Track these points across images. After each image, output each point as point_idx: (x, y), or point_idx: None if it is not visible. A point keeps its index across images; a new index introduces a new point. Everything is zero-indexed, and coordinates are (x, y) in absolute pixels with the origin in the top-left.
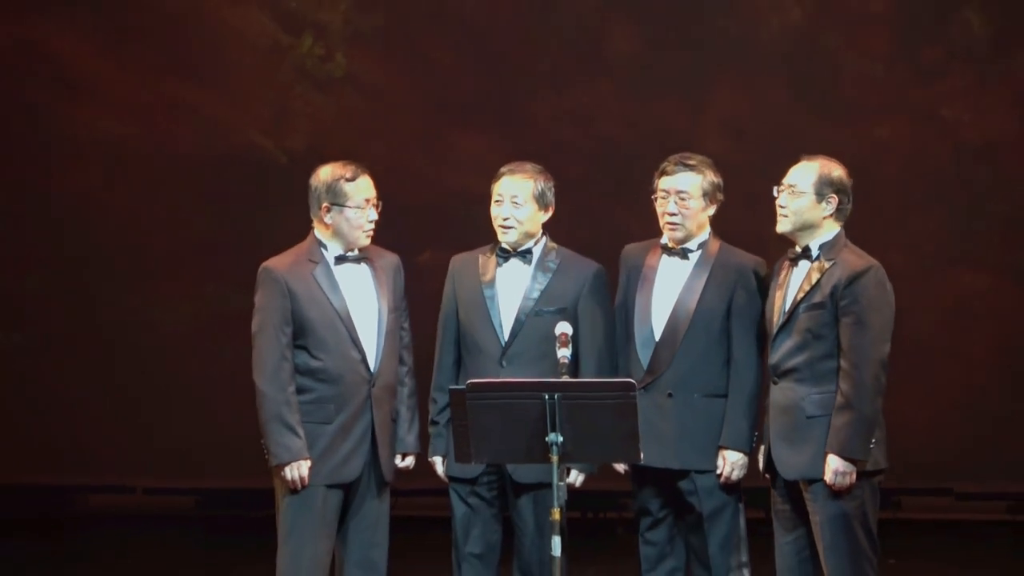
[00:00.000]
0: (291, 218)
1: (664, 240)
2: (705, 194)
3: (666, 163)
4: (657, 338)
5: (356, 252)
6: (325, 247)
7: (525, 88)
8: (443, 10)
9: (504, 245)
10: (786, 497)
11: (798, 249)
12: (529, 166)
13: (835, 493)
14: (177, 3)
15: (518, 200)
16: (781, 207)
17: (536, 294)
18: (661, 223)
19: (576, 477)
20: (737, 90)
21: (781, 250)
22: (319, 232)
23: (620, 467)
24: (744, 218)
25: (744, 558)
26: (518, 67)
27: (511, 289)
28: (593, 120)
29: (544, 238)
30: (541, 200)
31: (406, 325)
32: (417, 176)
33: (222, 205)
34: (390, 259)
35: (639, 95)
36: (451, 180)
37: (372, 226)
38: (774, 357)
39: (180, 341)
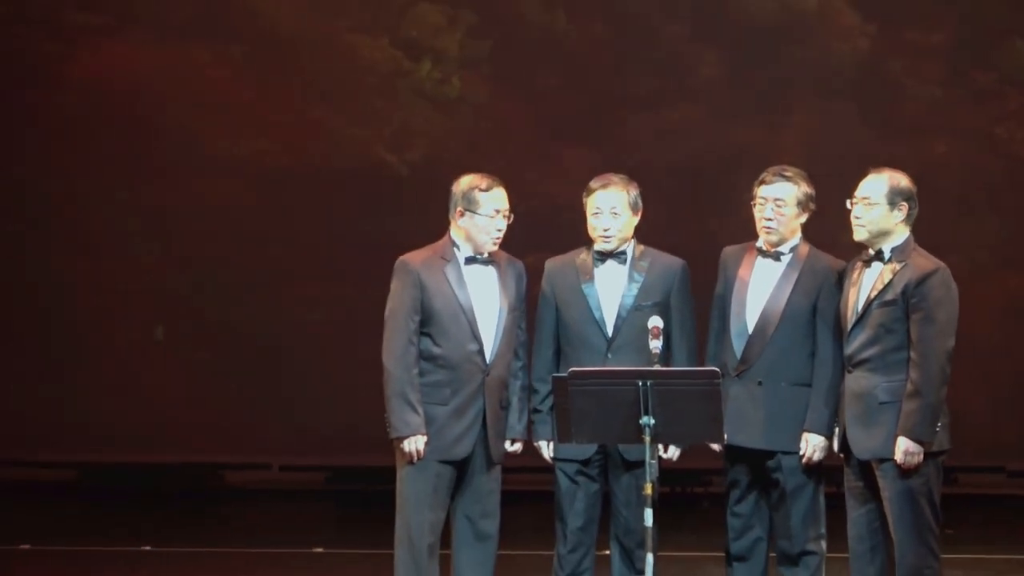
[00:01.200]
0: (411, 222)
1: (759, 243)
2: (799, 203)
3: (765, 173)
4: (750, 331)
5: (485, 255)
6: (458, 247)
7: (621, 108)
8: (547, 37)
9: (601, 249)
10: (859, 475)
11: (871, 252)
12: (617, 178)
13: (904, 471)
14: (310, 33)
15: (616, 211)
16: (857, 218)
17: (634, 291)
18: (758, 227)
19: (673, 452)
20: (811, 111)
21: (846, 253)
22: (454, 233)
23: (715, 446)
24: (817, 225)
25: (822, 530)
26: (615, 90)
27: (610, 288)
28: (682, 137)
29: (634, 239)
30: (635, 207)
31: (523, 325)
32: (521, 186)
33: (350, 211)
34: (515, 265)
35: (723, 115)
36: (552, 190)
37: (499, 234)
38: (849, 349)
39: (314, 335)
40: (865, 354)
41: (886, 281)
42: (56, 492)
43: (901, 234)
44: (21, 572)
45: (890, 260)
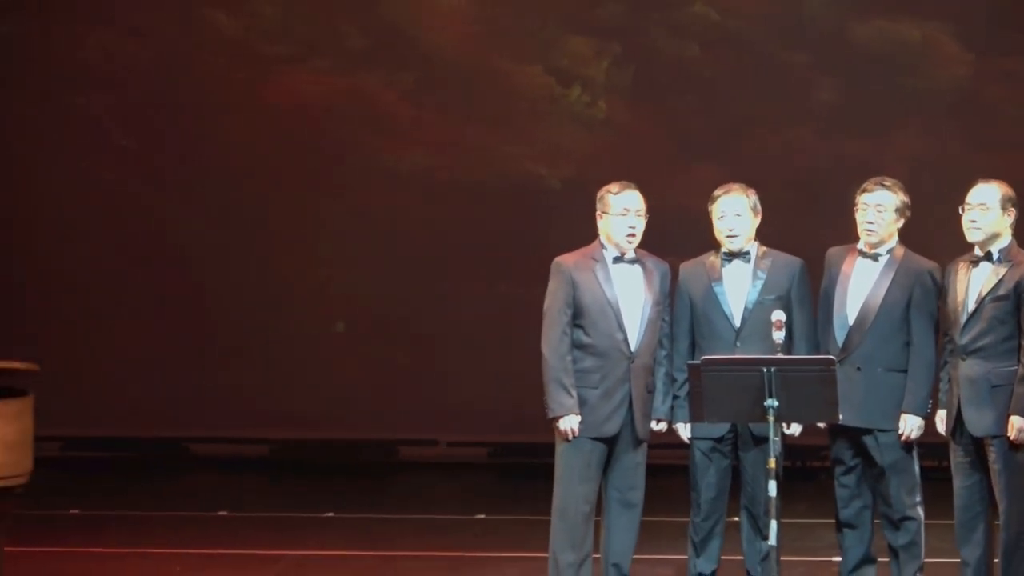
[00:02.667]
0: (562, 230)
1: (860, 245)
2: (896, 209)
3: (867, 183)
4: (851, 323)
5: (632, 255)
6: (605, 248)
7: (745, 128)
8: (682, 65)
9: (727, 250)
10: (968, 451)
11: (979, 253)
12: (737, 185)
13: (1014, 446)
14: (472, 62)
15: (739, 213)
16: (973, 221)
17: (758, 287)
18: (860, 230)
19: (795, 429)
20: (915, 131)
21: (939, 255)
22: (601, 236)
23: (821, 424)
24: (919, 230)
25: (918, 498)
26: (740, 111)
27: (737, 285)
28: (798, 153)
29: (756, 241)
30: (755, 209)
31: (666, 318)
32: (656, 197)
33: (509, 220)
34: (661, 265)
35: (835, 135)
36: (684, 201)
37: (633, 230)
38: (964, 339)
39: (479, 328)
40: (979, 344)
41: (998, 278)
42: (251, 466)
43: (1007, 237)
44: (221, 535)
45: (999, 260)
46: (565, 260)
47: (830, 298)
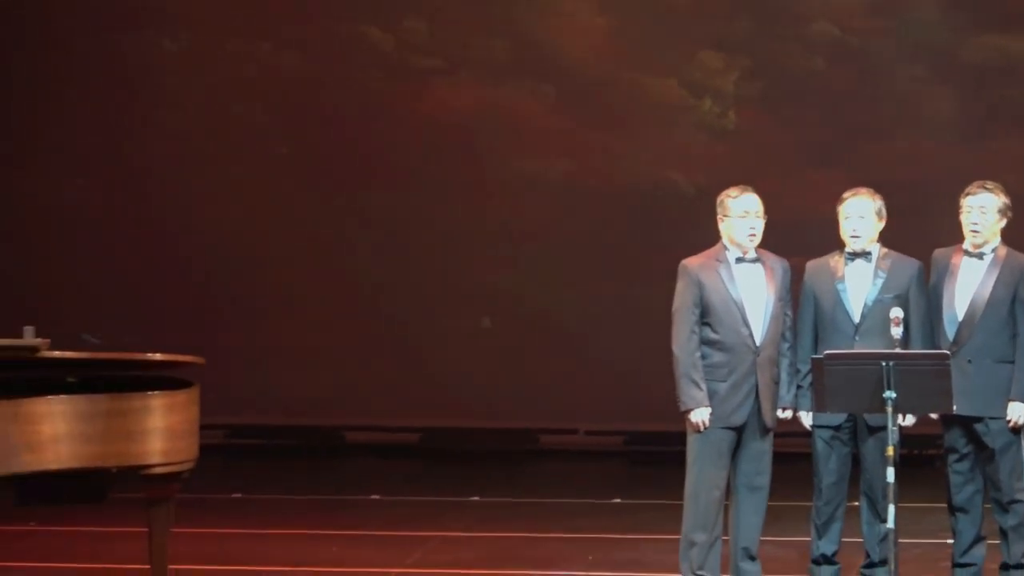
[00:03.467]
0: (695, 233)
1: (966, 245)
2: (999, 210)
3: (970, 186)
4: (960, 318)
5: (753, 255)
6: (728, 250)
7: (864, 136)
8: (807, 78)
9: (850, 250)
10: None
11: None
12: (865, 190)
13: None
14: (610, 74)
15: (864, 216)
16: None
17: (878, 286)
18: (965, 231)
19: (910, 420)
20: (1021, 138)
21: None
22: (724, 238)
23: (934, 415)
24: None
25: None
26: (860, 121)
27: (858, 283)
28: (913, 161)
29: (879, 243)
30: (879, 214)
31: (789, 312)
32: (781, 201)
33: (643, 222)
34: (781, 262)
35: (945, 142)
36: (807, 204)
37: (753, 231)
38: None
39: (616, 325)
40: None
41: None
42: (402, 452)
43: None
44: (373, 517)
45: None
46: (691, 262)
47: (939, 296)
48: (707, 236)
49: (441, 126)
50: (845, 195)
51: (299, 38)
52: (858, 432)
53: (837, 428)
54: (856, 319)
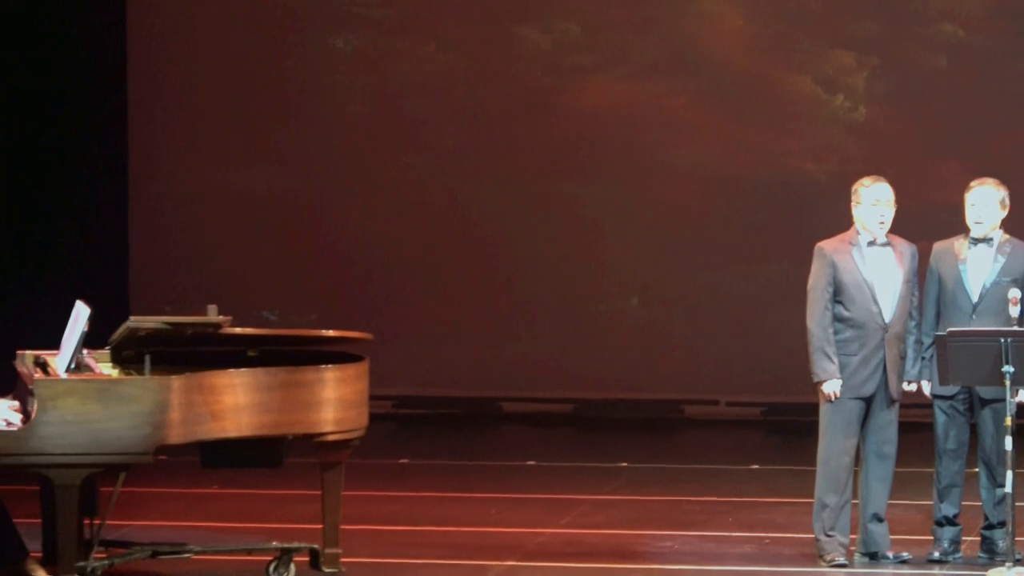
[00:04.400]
0: (828, 219)
1: None
2: None
3: None
4: None
5: (884, 239)
6: (860, 234)
7: (986, 130)
8: (932, 75)
9: (974, 236)
10: None
11: None
12: (992, 180)
13: None
14: (750, 71)
15: (988, 204)
16: None
17: (997, 269)
18: None
19: (1021, 395)
20: None
21: None
22: (857, 224)
23: None
24: None
25: None
26: (983, 114)
27: (978, 266)
28: None
29: (1001, 229)
30: (1003, 203)
31: (916, 293)
32: (909, 190)
33: (779, 208)
34: (910, 246)
35: None
36: (932, 193)
37: (881, 218)
38: None
39: (754, 304)
40: None
41: None
42: (556, 421)
43: None
44: (529, 482)
45: None
46: (826, 245)
47: None
48: (839, 221)
49: (594, 120)
50: (972, 184)
51: (461, 38)
52: (973, 404)
53: (953, 398)
54: (974, 299)
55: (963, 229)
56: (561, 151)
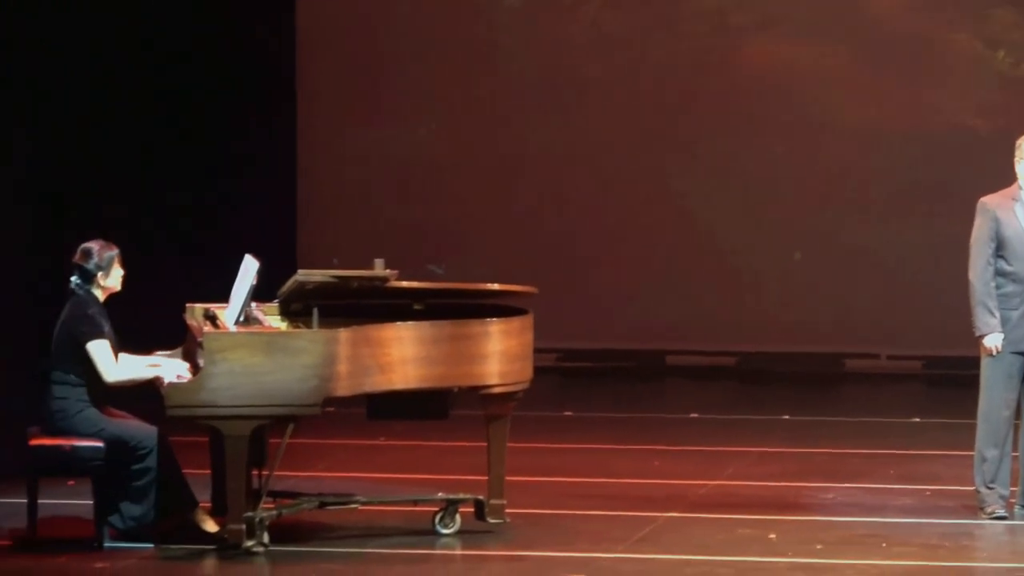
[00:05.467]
0: (990, 174)
1: None
2: None
3: None
4: None
5: None
6: (1022, 189)
7: None
8: None
9: None
10: None
11: None
12: None
13: None
14: (912, 31)
15: None
16: None
17: None
18: None
19: None
20: None
21: None
22: (1020, 179)
23: None
24: None
25: None
26: None
27: None
28: None
29: None
30: None
31: None
32: None
33: (943, 165)
34: None
35: None
36: None
37: None
38: None
39: (917, 258)
40: None
41: None
42: (718, 375)
43: None
44: (692, 434)
45: None
46: (989, 200)
47: None
48: (1002, 177)
49: (758, 78)
50: None
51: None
52: None
53: None
54: None
55: None
56: (725, 109)
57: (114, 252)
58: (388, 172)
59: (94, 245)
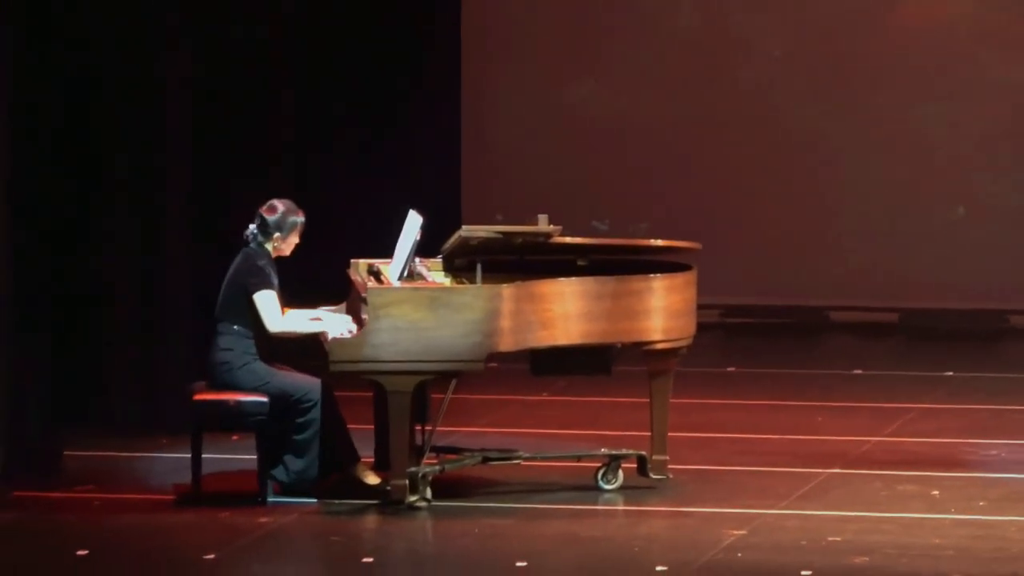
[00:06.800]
0: None
1: None
2: None
3: None
4: None
5: None
6: None
7: None
8: None
9: None
10: None
11: None
12: None
13: None
14: None
15: None
16: None
17: None
18: None
19: None
20: None
21: None
22: None
23: None
24: None
25: None
26: None
27: None
28: None
29: None
30: None
31: None
32: None
33: None
34: None
35: None
36: None
37: None
38: None
39: None
40: None
41: None
42: (882, 331)
43: None
44: (855, 390)
45: None
46: None
47: None
48: None
49: (918, 34)
50: None
51: None
52: None
53: None
54: None
55: None
56: (885, 65)
57: (299, 219)
58: (552, 128)
59: (284, 204)
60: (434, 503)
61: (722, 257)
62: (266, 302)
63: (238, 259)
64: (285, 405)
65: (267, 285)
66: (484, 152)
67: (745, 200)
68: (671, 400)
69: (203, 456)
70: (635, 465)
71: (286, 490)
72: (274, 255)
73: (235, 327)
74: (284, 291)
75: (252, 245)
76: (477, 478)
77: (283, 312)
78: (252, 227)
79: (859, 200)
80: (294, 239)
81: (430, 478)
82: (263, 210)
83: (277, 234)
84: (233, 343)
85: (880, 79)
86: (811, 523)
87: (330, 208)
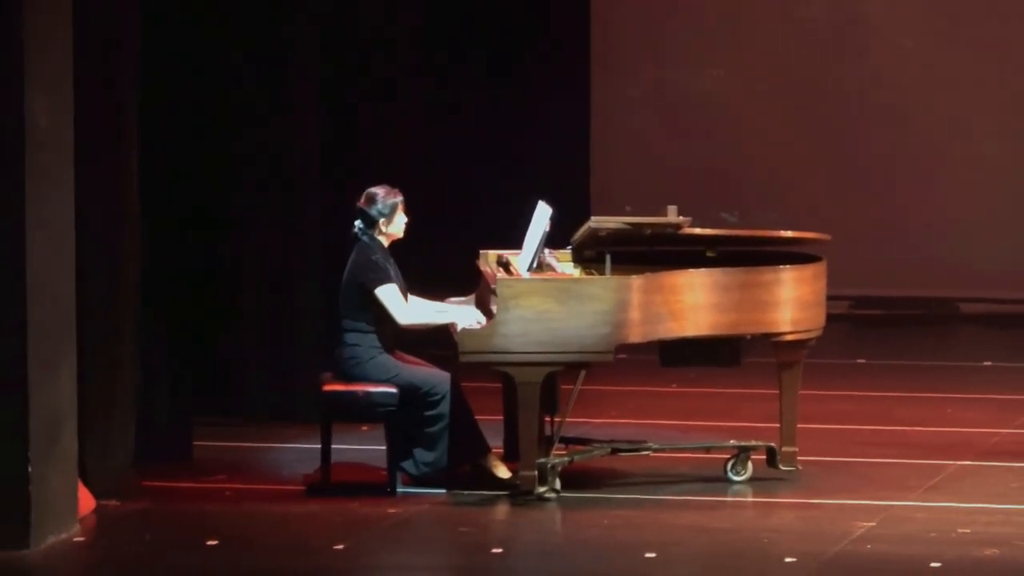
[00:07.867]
0: None
1: None
2: None
3: None
4: None
5: None
6: None
7: None
8: None
9: None
10: None
11: None
12: None
13: None
14: None
15: None
16: None
17: None
18: None
19: None
20: None
21: None
22: None
23: None
24: None
25: None
26: None
27: None
28: None
29: None
30: None
31: None
32: None
33: None
34: None
35: None
36: None
37: None
38: None
39: None
40: None
41: None
42: (1013, 322)
43: None
44: (985, 382)
45: None
46: None
47: None
48: None
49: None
50: None
51: None
52: None
53: None
54: None
55: None
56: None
57: (398, 199)
58: (681, 118)
59: (379, 190)
60: (563, 494)
61: (851, 248)
62: (389, 296)
63: (352, 255)
64: (413, 398)
65: (386, 279)
66: (613, 143)
67: (875, 190)
68: (800, 392)
69: (332, 447)
70: (764, 456)
71: (415, 481)
72: (387, 243)
73: (358, 323)
74: (412, 283)
75: (364, 239)
76: (606, 469)
77: (406, 300)
78: (357, 223)
79: (990, 191)
80: (400, 220)
81: (559, 469)
82: (360, 203)
83: (381, 220)
84: (358, 338)
85: (1016, 66)
86: (940, 515)
87: (459, 199)
